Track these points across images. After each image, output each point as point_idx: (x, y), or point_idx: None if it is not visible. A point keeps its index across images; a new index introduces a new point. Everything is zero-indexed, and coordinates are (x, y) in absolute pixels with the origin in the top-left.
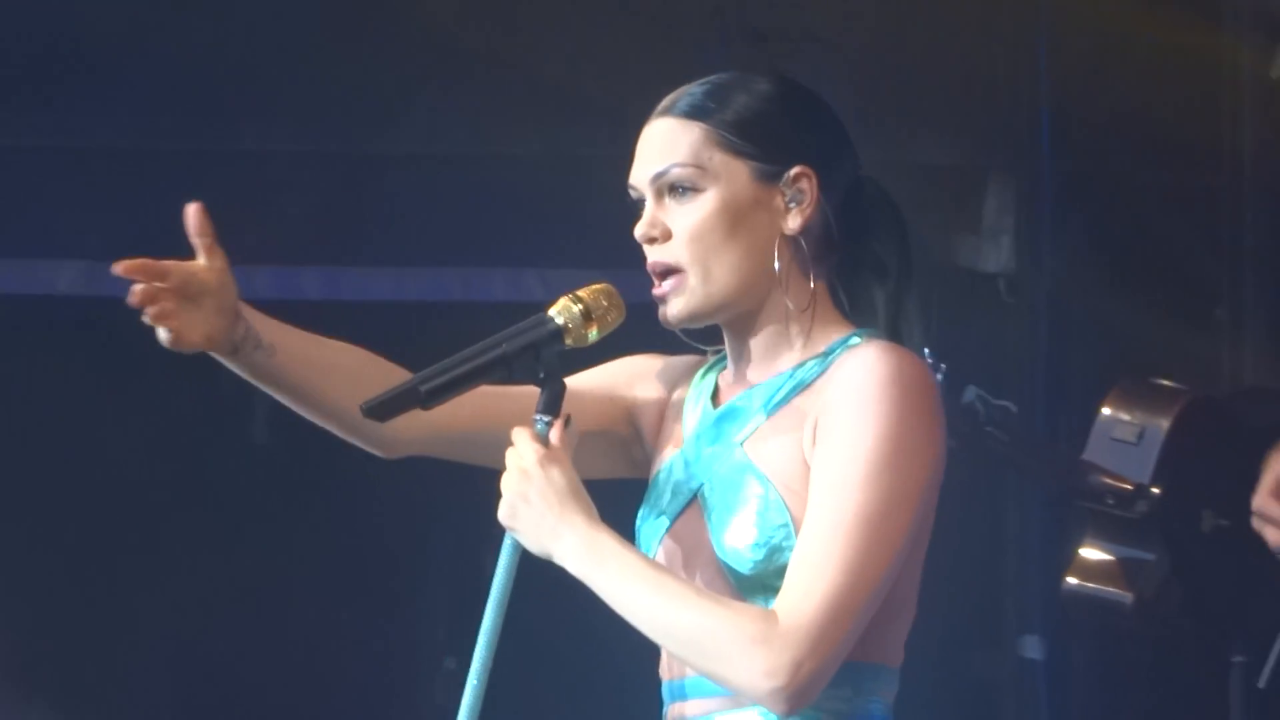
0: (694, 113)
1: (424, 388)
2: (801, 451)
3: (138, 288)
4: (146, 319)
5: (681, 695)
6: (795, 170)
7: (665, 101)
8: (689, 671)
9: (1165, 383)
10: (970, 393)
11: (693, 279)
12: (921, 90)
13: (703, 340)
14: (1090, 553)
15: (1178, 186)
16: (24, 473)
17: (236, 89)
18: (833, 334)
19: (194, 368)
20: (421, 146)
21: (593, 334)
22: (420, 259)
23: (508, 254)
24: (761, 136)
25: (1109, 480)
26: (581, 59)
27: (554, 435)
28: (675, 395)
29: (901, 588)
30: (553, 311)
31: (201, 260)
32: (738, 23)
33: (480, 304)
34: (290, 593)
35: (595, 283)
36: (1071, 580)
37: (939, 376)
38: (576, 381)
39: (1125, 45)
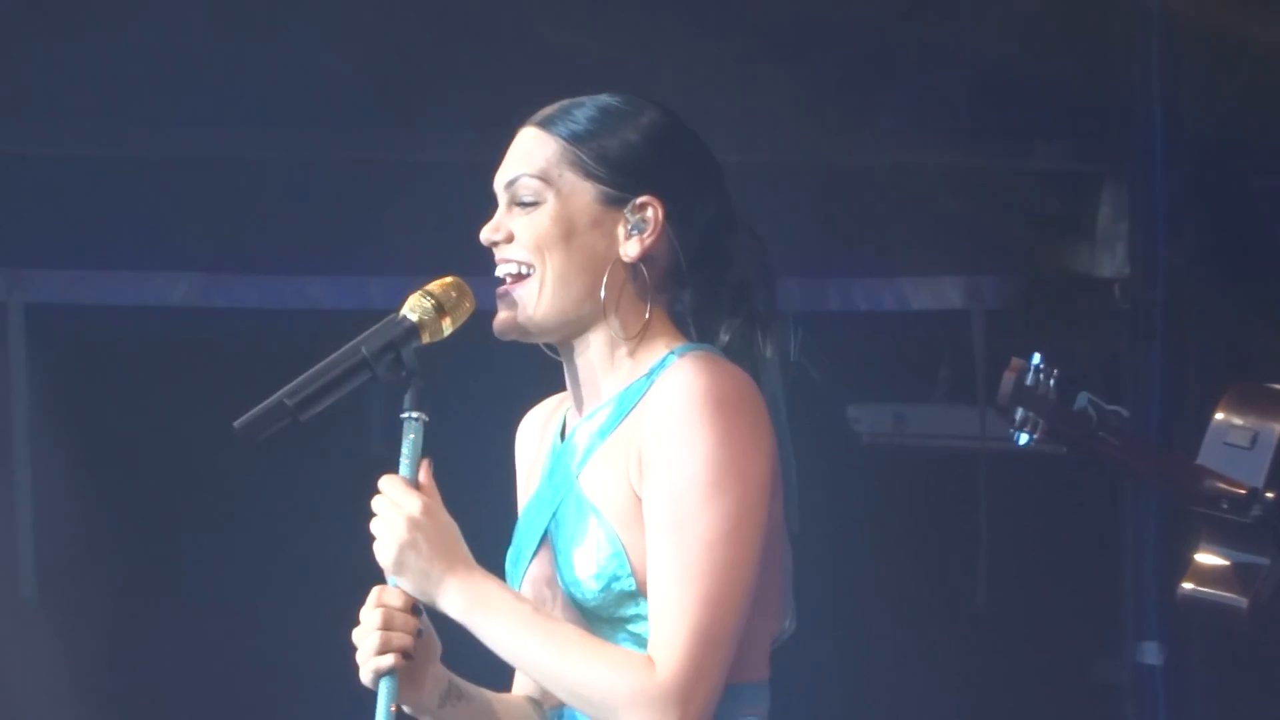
0: (556, 127)
1: (291, 401)
2: (629, 481)
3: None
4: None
5: None
6: (641, 199)
7: (540, 112)
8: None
9: (1279, 387)
10: (1083, 398)
11: (534, 283)
12: (1036, 98)
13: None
14: (1205, 558)
15: None
16: (128, 481)
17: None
18: (658, 354)
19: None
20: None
21: (447, 327)
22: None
23: None
24: (614, 161)
25: (1223, 485)
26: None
27: (423, 475)
28: (542, 441)
29: (756, 603)
30: (405, 310)
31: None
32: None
33: None
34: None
35: (443, 277)
36: (1187, 586)
37: (1051, 382)
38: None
39: (1240, 50)
